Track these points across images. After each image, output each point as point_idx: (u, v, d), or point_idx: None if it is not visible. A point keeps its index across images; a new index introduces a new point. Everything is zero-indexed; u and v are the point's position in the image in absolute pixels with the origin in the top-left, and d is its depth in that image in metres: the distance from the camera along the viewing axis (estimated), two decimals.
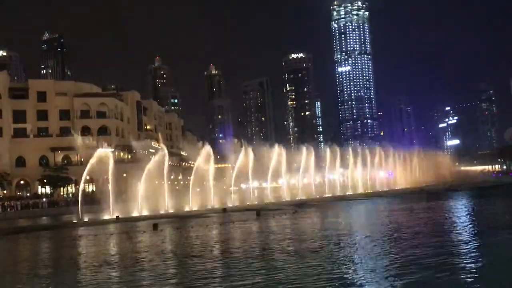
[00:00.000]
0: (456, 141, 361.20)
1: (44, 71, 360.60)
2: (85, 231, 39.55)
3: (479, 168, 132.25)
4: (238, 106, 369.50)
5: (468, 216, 33.64)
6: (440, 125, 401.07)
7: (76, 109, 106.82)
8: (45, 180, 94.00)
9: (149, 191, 57.96)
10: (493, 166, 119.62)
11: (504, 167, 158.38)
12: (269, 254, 19.86)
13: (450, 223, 29.16)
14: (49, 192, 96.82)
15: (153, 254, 22.35)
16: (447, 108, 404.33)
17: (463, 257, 17.48)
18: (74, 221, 52.14)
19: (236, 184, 70.29)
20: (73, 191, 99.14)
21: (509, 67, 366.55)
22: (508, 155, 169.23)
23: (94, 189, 77.71)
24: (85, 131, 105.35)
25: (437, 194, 61.15)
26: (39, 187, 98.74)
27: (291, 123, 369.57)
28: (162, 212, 56.41)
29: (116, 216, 52.16)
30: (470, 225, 27.39)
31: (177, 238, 28.63)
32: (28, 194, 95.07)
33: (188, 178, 68.11)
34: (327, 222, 32.92)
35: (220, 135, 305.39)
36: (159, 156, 61.55)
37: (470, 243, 20.27)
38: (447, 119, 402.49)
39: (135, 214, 54.99)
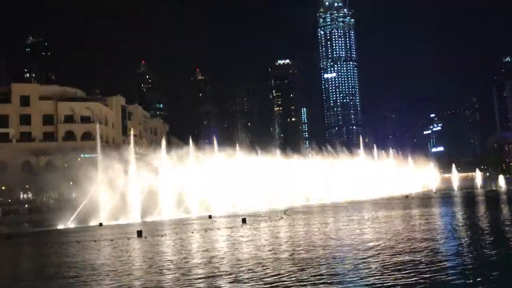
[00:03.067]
0: (440, 148, 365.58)
1: (28, 74, 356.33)
2: (69, 238, 38.90)
3: (462, 175, 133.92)
4: (224, 112, 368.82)
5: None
6: (425, 132, 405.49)
7: (60, 113, 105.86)
8: (27, 186, 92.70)
9: (135, 198, 57.47)
10: (472, 174, 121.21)
11: (487, 173, 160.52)
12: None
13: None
14: (31, 198, 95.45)
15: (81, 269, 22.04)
16: (432, 115, 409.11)
17: None
18: (58, 227, 51.47)
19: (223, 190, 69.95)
20: (56, 196, 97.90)
21: (492, 76, 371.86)
22: (490, 162, 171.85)
23: (77, 196, 76.49)
24: (69, 136, 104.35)
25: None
26: (21, 193, 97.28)
27: (277, 129, 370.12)
28: (147, 219, 55.94)
29: (100, 223, 51.64)
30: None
31: (148, 247, 28.26)
32: (9, 200, 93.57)
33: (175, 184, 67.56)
34: (300, 230, 32.76)
35: (206, 141, 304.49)
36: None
37: None
38: (431, 126, 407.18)
39: (120, 221, 54.41)
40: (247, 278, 16.18)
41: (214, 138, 75.98)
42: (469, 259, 18.12)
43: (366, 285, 14.41)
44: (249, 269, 17.84)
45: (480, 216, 38.24)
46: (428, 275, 15.22)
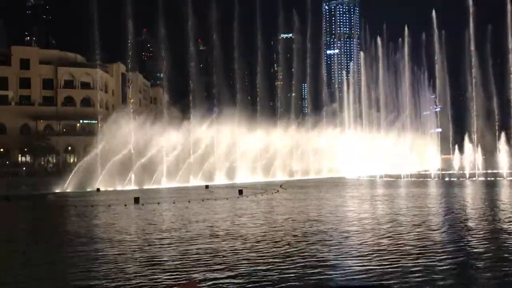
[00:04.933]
0: (439, 130, 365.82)
1: (28, 38, 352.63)
2: (64, 202, 39.29)
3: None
4: (225, 84, 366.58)
5: None
6: (424, 113, 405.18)
7: (60, 78, 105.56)
8: (25, 149, 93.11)
9: (135, 165, 57.84)
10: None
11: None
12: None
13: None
14: (29, 161, 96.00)
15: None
16: (432, 96, 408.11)
17: None
18: (55, 191, 51.88)
19: (219, 161, 70.34)
20: (54, 161, 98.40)
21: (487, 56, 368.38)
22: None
23: (75, 160, 76.98)
24: (68, 101, 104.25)
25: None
26: (20, 155, 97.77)
27: (278, 104, 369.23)
28: (145, 186, 56.40)
29: (97, 188, 52.06)
30: None
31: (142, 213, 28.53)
32: (7, 162, 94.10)
33: (173, 152, 67.88)
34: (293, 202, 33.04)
35: (206, 112, 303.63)
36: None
37: None
38: (431, 107, 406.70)
39: (118, 187, 54.86)
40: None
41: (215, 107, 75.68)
42: None
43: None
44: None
45: None
46: None
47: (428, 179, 65.51)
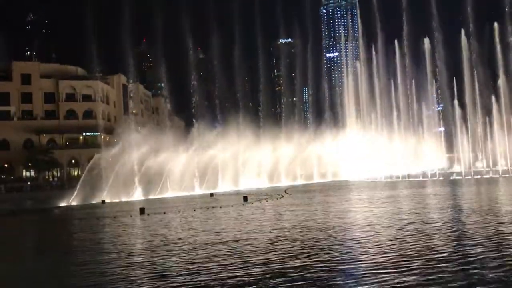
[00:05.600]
0: (441, 129, 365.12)
1: (29, 52, 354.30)
2: (70, 215, 39.24)
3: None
4: (226, 91, 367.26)
5: None
6: (429, 112, 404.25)
7: (61, 92, 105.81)
8: (29, 164, 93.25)
9: (139, 176, 57.83)
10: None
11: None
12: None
13: None
14: (34, 176, 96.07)
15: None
16: (433, 95, 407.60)
17: None
18: (61, 204, 51.90)
19: (224, 168, 70.31)
20: (58, 174, 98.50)
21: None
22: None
23: (79, 173, 76.92)
24: (70, 114, 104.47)
25: None
26: (24, 170, 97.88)
27: (279, 109, 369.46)
28: (150, 196, 56.33)
29: (102, 200, 52.02)
30: None
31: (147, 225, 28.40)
32: (12, 178, 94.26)
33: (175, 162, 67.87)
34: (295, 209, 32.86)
35: (207, 120, 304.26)
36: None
37: None
38: (432, 107, 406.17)
39: (123, 198, 54.84)
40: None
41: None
42: None
43: None
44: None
45: None
46: None
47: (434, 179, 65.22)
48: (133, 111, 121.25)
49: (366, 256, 14.74)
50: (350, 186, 59.61)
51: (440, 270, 12.32)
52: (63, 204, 52.39)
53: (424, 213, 25.56)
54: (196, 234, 22.02)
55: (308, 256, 15.19)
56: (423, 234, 18.35)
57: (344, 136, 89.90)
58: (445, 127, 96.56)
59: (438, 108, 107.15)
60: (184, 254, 16.87)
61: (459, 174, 70.17)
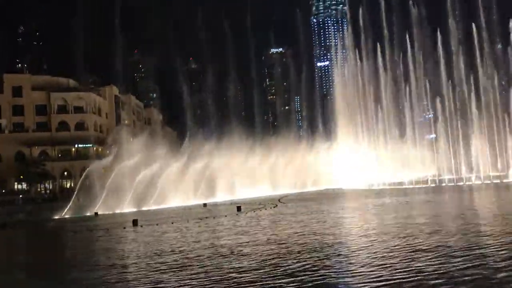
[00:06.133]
0: (433, 135, 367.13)
1: (20, 65, 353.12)
2: (64, 228, 39.00)
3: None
4: (218, 101, 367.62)
5: None
6: (419, 119, 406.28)
7: (53, 104, 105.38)
8: (21, 176, 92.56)
9: (130, 187, 57.53)
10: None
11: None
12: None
13: None
14: (26, 189, 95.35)
15: None
16: (424, 103, 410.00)
17: None
18: (53, 217, 51.59)
19: (216, 179, 70.21)
20: (51, 187, 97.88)
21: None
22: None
23: (72, 185, 76.55)
24: (62, 126, 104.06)
25: None
26: (15, 183, 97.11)
27: (271, 118, 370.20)
28: (143, 208, 56.08)
29: (95, 213, 51.77)
30: None
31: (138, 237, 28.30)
32: (3, 191, 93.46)
33: (168, 173, 67.74)
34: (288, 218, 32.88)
35: (200, 130, 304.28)
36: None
37: None
38: (424, 114, 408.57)
39: (116, 210, 54.57)
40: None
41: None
42: None
43: None
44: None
45: None
46: None
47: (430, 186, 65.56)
48: (125, 122, 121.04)
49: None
50: (344, 195, 59.76)
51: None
52: (56, 216, 52.06)
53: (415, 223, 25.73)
54: (190, 246, 21.99)
55: (304, 271, 15.23)
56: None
57: (336, 144, 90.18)
58: (437, 134, 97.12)
59: (430, 116, 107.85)
60: (177, 268, 16.84)
61: (451, 181, 70.55)
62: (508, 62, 78.23)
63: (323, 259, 16.10)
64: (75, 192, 57.50)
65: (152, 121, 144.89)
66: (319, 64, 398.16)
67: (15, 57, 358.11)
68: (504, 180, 65.59)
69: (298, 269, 14.60)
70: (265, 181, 77.09)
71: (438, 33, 77.63)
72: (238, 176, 73.44)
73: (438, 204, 37.66)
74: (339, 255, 17.02)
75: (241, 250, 19.14)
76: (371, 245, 18.23)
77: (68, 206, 54.14)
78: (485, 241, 17.44)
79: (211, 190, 67.26)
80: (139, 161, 58.97)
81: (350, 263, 15.16)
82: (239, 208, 41.60)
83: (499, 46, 79.95)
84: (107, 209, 53.99)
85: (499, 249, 15.63)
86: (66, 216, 52.23)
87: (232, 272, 14.82)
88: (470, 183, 67.35)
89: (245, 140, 76.21)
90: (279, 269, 14.85)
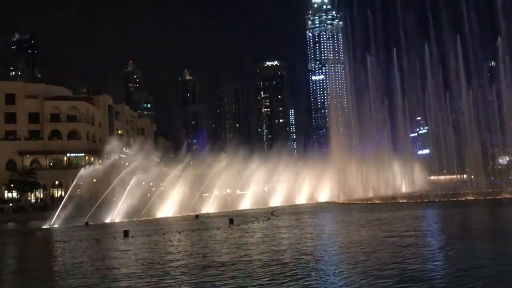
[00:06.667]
0: (426, 151, 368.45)
1: (13, 73, 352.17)
2: (54, 237, 38.46)
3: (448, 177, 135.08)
4: (212, 112, 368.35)
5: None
6: (411, 135, 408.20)
7: (46, 112, 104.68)
8: (12, 185, 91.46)
9: (122, 197, 56.97)
10: (461, 176, 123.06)
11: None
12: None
13: None
14: (16, 197, 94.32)
15: None
16: (418, 118, 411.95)
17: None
18: (43, 226, 50.92)
19: (209, 190, 69.78)
20: (42, 196, 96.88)
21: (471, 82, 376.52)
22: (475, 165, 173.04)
23: (63, 194, 75.89)
24: (55, 135, 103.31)
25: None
26: (6, 191, 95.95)
27: (265, 130, 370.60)
28: (134, 218, 55.50)
29: (86, 222, 51.14)
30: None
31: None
32: None
33: (160, 184, 67.31)
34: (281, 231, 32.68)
35: (194, 141, 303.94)
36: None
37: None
38: (417, 129, 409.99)
39: (107, 220, 53.99)
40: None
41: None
42: None
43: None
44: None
45: None
46: None
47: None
48: (119, 132, 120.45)
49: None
50: (336, 208, 59.53)
51: None
52: (45, 226, 51.37)
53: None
54: (180, 258, 21.69)
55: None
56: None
57: (330, 158, 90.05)
58: (430, 149, 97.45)
59: (423, 131, 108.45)
60: (170, 280, 16.57)
61: (436, 196, 70.04)
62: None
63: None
64: (63, 201, 56.69)
65: (146, 131, 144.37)
66: (313, 77, 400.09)
67: (9, 64, 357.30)
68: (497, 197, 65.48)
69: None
70: (257, 194, 76.65)
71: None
72: (232, 188, 73.06)
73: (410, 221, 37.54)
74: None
75: (236, 263, 18.89)
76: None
77: (56, 215, 53.25)
78: None
79: (203, 202, 66.82)
80: (130, 172, 58.52)
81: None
82: (231, 221, 41.27)
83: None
84: (97, 219, 53.39)
85: None
86: (55, 226, 51.56)
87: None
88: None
89: (238, 152, 75.73)
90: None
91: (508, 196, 62.23)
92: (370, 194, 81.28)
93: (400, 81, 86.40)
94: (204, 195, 68.79)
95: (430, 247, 21.24)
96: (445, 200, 63.42)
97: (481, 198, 61.84)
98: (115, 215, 55.37)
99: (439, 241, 23.86)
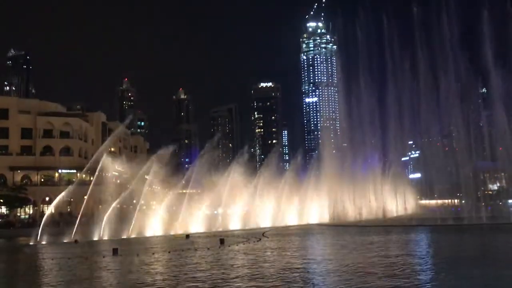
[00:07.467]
0: (418, 175, 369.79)
1: (8, 87, 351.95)
2: (42, 254, 38.05)
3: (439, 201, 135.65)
4: (206, 132, 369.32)
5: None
6: (403, 159, 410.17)
7: (39, 128, 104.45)
8: (1, 200, 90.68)
9: (111, 215, 56.62)
10: (452, 200, 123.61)
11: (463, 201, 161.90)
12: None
13: None
14: (5, 212, 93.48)
15: None
16: (410, 142, 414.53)
17: None
18: (31, 243, 50.36)
19: (199, 209, 69.52)
20: (31, 212, 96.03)
21: (467, 106, 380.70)
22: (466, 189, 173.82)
23: (53, 211, 75.19)
24: (47, 150, 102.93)
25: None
26: None
27: (258, 151, 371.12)
28: (124, 236, 55.12)
29: (75, 240, 50.74)
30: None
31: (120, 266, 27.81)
32: None
33: (152, 202, 67.11)
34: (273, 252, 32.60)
35: (187, 160, 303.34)
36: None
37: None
38: (409, 153, 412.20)
39: (95, 238, 53.56)
40: None
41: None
42: None
43: None
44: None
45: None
46: None
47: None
48: (111, 149, 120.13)
49: None
50: (327, 230, 59.39)
51: None
52: (31, 242, 50.76)
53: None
54: (171, 280, 21.57)
55: None
56: None
57: (321, 179, 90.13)
58: (421, 173, 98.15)
59: (415, 155, 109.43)
60: None
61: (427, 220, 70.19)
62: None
63: None
64: (45, 216, 56.11)
65: (139, 149, 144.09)
66: (307, 100, 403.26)
67: (3, 79, 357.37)
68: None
69: None
70: (248, 214, 76.40)
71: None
72: (222, 208, 72.78)
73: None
74: None
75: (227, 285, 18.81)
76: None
77: (40, 232, 52.66)
78: None
79: (193, 222, 66.47)
80: (121, 189, 58.34)
81: None
82: (222, 241, 41.05)
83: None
84: (85, 236, 52.95)
85: None
86: (43, 242, 51.00)
87: None
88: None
89: (230, 172, 75.72)
90: None
91: (498, 222, 62.47)
92: (362, 216, 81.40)
93: (392, 105, 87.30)
94: (196, 212, 68.48)
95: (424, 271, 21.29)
96: (437, 224, 63.52)
97: (473, 223, 62.01)
98: (103, 232, 54.91)
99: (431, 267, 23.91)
